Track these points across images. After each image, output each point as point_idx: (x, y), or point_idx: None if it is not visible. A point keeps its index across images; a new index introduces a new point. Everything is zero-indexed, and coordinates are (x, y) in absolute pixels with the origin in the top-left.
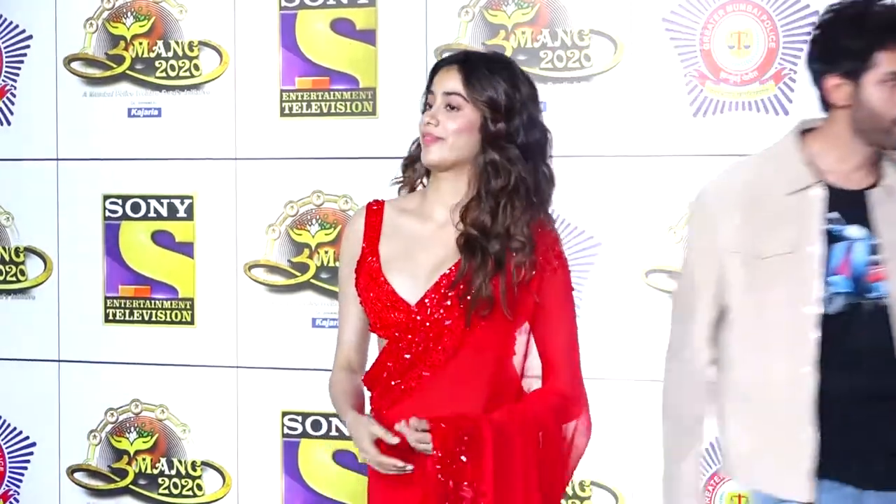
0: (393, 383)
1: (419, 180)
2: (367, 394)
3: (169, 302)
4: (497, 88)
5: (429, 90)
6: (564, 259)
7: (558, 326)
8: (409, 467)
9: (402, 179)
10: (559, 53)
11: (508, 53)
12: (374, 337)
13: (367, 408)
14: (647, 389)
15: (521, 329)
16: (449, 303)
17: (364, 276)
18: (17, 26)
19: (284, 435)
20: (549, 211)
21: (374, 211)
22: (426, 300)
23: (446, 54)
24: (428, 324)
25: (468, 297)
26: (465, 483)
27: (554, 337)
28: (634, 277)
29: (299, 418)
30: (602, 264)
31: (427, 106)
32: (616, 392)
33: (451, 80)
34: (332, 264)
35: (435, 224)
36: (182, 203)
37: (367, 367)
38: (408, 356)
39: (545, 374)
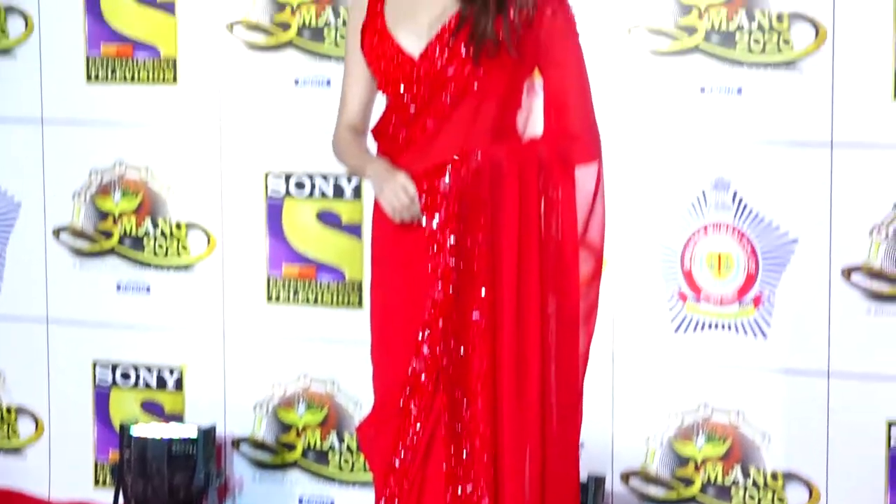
0: (399, 134)
1: None
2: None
3: (150, 61)
4: None
5: None
6: (566, 4)
7: (565, 67)
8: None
9: None
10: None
11: None
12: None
13: None
14: (630, 149)
15: (529, 85)
16: (451, 51)
17: (369, 35)
18: None
19: (268, 197)
20: None
21: None
22: (429, 50)
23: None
24: (431, 73)
25: (473, 40)
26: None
27: (562, 77)
28: (618, 34)
29: (283, 178)
30: (585, 21)
31: None
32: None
33: None
34: (314, 25)
35: None
36: None
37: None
38: (413, 107)
39: (556, 117)
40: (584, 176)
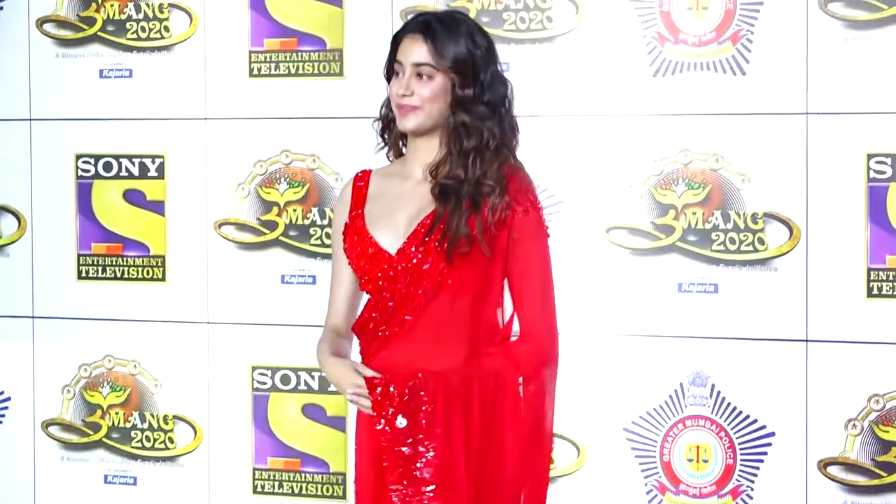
0: (378, 331)
1: (402, 144)
2: (356, 344)
3: (141, 259)
4: (460, 50)
5: (394, 59)
6: (538, 203)
7: (532, 267)
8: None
9: (383, 145)
10: (522, 15)
11: (472, 15)
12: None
13: (359, 359)
14: (607, 344)
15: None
16: (426, 247)
17: (351, 235)
18: None
19: (254, 389)
20: (521, 163)
21: (361, 179)
22: (405, 248)
23: (410, 16)
24: (408, 269)
25: (447, 238)
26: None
27: (524, 277)
28: (596, 234)
29: (268, 373)
30: (564, 221)
31: (395, 74)
32: (577, 345)
33: (418, 51)
34: (299, 222)
35: (413, 181)
36: (153, 162)
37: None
38: (391, 304)
39: (518, 315)
40: (534, 378)
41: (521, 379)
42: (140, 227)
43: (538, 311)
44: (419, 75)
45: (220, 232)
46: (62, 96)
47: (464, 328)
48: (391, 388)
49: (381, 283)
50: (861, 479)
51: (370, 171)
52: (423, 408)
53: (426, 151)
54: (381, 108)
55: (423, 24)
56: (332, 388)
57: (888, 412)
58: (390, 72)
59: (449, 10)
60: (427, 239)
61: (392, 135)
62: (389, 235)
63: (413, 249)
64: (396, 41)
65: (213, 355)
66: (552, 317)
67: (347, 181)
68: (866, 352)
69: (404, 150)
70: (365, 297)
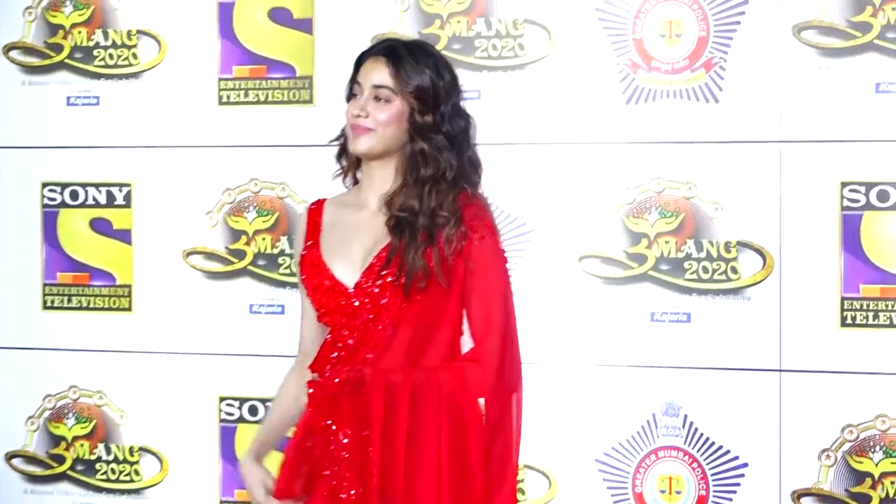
0: (342, 369)
1: (357, 171)
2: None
3: (107, 289)
4: (423, 78)
5: (355, 80)
6: (495, 230)
7: (485, 293)
8: None
9: (340, 171)
10: (494, 42)
11: (443, 42)
12: None
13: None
14: (579, 374)
15: None
16: (383, 281)
17: (307, 267)
18: None
19: (222, 420)
20: (480, 192)
21: (314, 210)
22: (362, 282)
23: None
24: (367, 304)
25: (403, 272)
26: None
27: (480, 302)
28: (568, 263)
29: (237, 403)
30: (535, 250)
31: (353, 95)
32: (548, 375)
33: (379, 73)
34: (269, 251)
35: (369, 212)
36: (120, 191)
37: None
38: (351, 341)
39: (475, 343)
40: (488, 405)
41: (482, 401)
42: (107, 256)
43: (496, 338)
44: (377, 98)
45: (187, 261)
46: (28, 124)
47: (426, 362)
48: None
49: (340, 318)
50: None
51: (324, 201)
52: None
53: (381, 180)
54: (340, 134)
55: (387, 48)
56: None
57: (862, 442)
58: (350, 94)
59: (418, 39)
60: (384, 273)
61: (349, 161)
62: (346, 268)
63: (370, 284)
64: (359, 63)
65: (180, 386)
66: (513, 343)
67: (301, 213)
68: (840, 382)
69: (360, 176)
70: None
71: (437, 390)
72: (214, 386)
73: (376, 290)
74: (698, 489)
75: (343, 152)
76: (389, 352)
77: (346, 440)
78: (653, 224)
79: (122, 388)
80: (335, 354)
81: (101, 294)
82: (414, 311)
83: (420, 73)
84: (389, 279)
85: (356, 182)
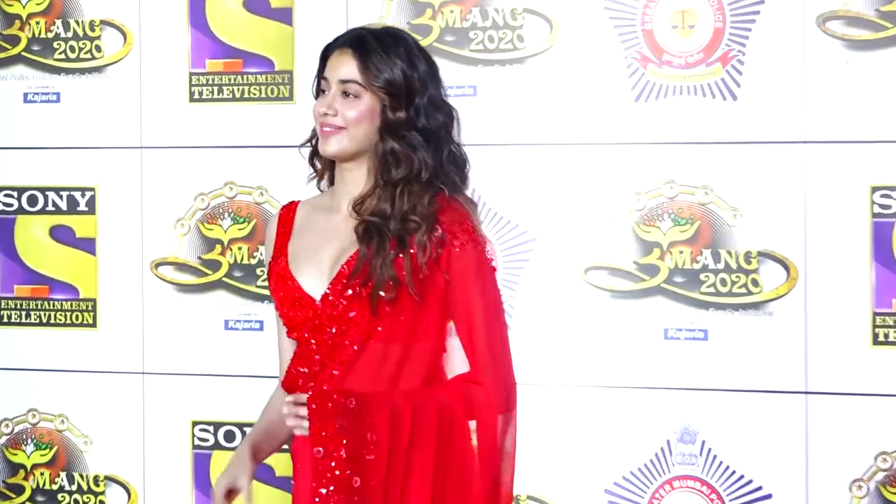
0: (308, 387)
1: (332, 173)
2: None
3: (69, 303)
4: (394, 71)
5: (321, 75)
6: (477, 237)
7: (469, 307)
8: None
9: (314, 175)
10: (490, 34)
11: (435, 34)
12: None
13: None
14: (585, 397)
15: (452, 330)
16: (351, 292)
17: (274, 277)
18: None
19: (195, 447)
20: (465, 193)
21: (285, 214)
22: (329, 293)
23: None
24: (334, 317)
25: (370, 283)
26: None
27: (465, 317)
28: (572, 275)
29: (211, 428)
30: (537, 261)
31: (320, 92)
32: (552, 397)
33: (346, 67)
34: (245, 261)
35: (341, 216)
36: (83, 196)
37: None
38: (318, 357)
39: (467, 358)
40: (487, 425)
41: (472, 425)
42: (68, 267)
43: (487, 355)
44: (345, 94)
45: (157, 272)
46: None
47: (398, 381)
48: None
49: (306, 333)
50: None
51: (297, 203)
52: (367, 434)
53: (354, 182)
54: (311, 134)
55: (354, 39)
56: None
57: None
58: (319, 89)
59: (389, 27)
60: (351, 283)
61: (322, 162)
62: (313, 278)
63: (337, 294)
64: (325, 56)
65: (149, 409)
66: (506, 360)
67: (272, 216)
68: (872, 405)
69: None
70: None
71: (436, 413)
72: (187, 409)
73: (343, 303)
74: (714, 21)
75: (315, 154)
76: (356, 369)
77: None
78: (665, 232)
79: (85, 412)
80: (304, 370)
81: (62, 309)
82: (384, 325)
83: (390, 66)
84: (357, 290)
85: (331, 184)
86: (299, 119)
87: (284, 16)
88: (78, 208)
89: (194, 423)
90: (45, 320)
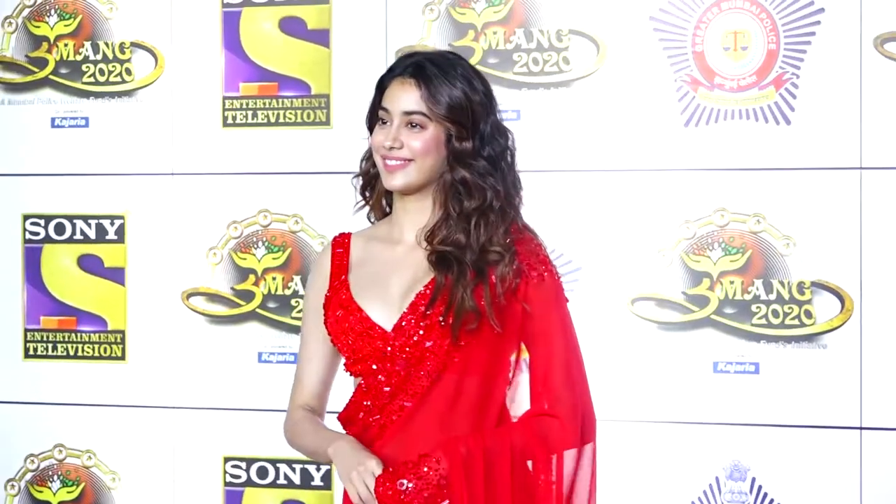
0: (371, 420)
1: (386, 204)
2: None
3: (97, 335)
4: (457, 97)
5: (380, 106)
6: (552, 266)
7: (550, 338)
8: None
9: (364, 203)
10: (535, 56)
11: (478, 56)
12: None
13: None
14: (631, 429)
15: (516, 358)
16: (428, 322)
17: (334, 309)
18: None
19: (227, 483)
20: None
21: (340, 244)
22: (403, 323)
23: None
24: (408, 348)
25: (451, 312)
26: None
27: (546, 351)
28: (619, 306)
29: (243, 465)
30: (583, 291)
31: (380, 122)
32: (598, 433)
33: (410, 97)
34: (279, 292)
35: (405, 246)
36: (112, 224)
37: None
38: (387, 389)
39: (542, 394)
40: (567, 459)
41: (553, 459)
42: (97, 297)
43: (565, 387)
44: (410, 125)
45: (188, 303)
46: (9, 148)
47: (471, 414)
48: (404, 485)
49: (374, 364)
50: None
51: (350, 235)
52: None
53: (418, 212)
54: (362, 161)
55: (415, 67)
56: (315, 482)
57: None
58: (373, 120)
59: (442, 51)
60: (429, 313)
61: (375, 193)
62: (382, 309)
63: (413, 325)
64: (383, 85)
65: (179, 445)
66: (584, 392)
67: (325, 246)
68: None
69: (388, 209)
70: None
71: (509, 453)
72: (218, 445)
73: (420, 332)
74: (767, 43)
75: (367, 183)
76: (428, 401)
77: None
78: (716, 262)
79: (114, 448)
80: (367, 403)
81: (90, 341)
82: (461, 356)
83: (452, 91)
84: (435, 319)
85: (385, 215)
86: (336, 144)
87: (322, 38)
88: (107, 237)
89: (226, 459)
90: (72, 353)
